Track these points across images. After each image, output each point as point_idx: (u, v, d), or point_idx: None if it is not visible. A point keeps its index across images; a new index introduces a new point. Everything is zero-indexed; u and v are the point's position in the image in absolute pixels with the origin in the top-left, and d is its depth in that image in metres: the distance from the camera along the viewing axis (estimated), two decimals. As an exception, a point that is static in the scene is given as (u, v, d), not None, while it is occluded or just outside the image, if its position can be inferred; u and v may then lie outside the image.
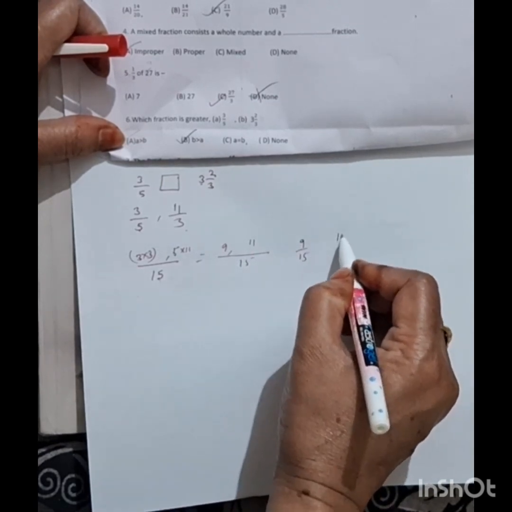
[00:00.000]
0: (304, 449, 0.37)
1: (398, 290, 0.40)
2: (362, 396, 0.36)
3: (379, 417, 0.35)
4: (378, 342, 0.39)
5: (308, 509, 0.36)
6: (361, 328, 0.39)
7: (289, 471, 0.38)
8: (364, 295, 0.41)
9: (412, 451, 0.39)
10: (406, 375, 0.37)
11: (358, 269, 0.42)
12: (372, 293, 0.42)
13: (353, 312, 0.40)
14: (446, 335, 0.41)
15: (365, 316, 0.40)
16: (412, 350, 0.38)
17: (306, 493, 0.37)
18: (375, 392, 0.36)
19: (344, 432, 0.37)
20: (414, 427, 0.38)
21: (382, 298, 0.41)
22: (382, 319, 0.41)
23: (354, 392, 0.37)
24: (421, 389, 0.38)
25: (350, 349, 0.39)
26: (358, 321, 0.40)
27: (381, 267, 0.42)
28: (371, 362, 0.37)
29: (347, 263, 0.43)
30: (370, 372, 0.37)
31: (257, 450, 0.45)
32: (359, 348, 0.38)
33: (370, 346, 0.38)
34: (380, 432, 0.35)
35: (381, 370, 0.37)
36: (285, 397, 0.39)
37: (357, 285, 0.42)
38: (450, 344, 0.41)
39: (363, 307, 0.41)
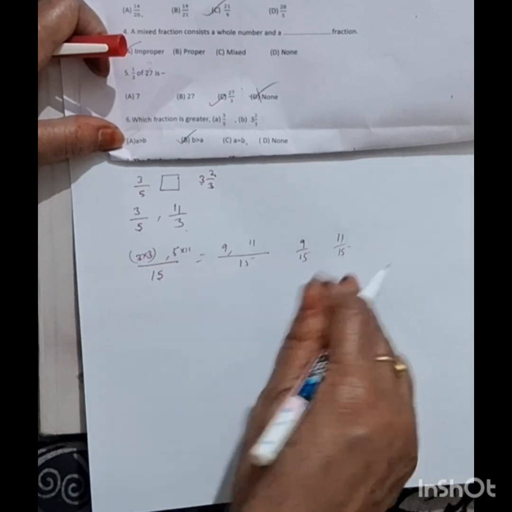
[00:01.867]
0: None
1: (331, 309, 0.39)
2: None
3: (263, 448, 0.33)
4: None
5: None
6: (320, 359, 0.37)
7: None
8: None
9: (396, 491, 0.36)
10: (331, 402, 0.35)
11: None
12: None
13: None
14: (396, 368, 0.38)
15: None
16: (338, 376, 0.35)
17: None
18: (277, 424, 0.34)
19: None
20: (353, 456, 0.34)
21: None
22: None
23: None
24: (351, 414, 0.34)
25: None
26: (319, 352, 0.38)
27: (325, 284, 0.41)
28: (303, 394, 0.35)
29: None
30: (290, 403, 0.35)
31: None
32: (302, 377, 0.36)
33: (315, 379, 0.36)
34: (255, 461, 0.33)
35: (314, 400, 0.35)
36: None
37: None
38: (448, 346, 0.41)
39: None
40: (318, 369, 0.36)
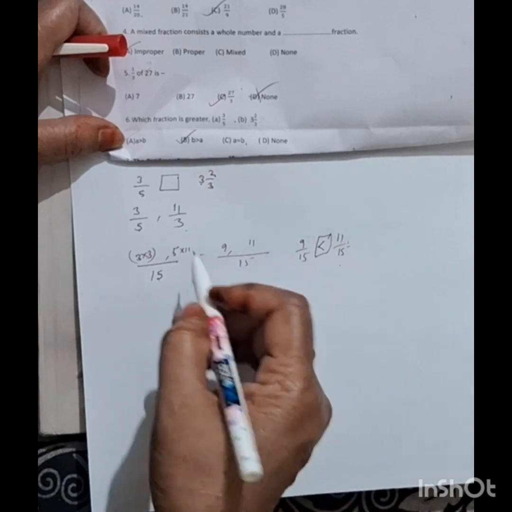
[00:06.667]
0: None
1: (269, 311, 0.37)
2: None
3: (246, 466, 0.31)
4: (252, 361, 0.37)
5: None
6: (218, 365, 0.36)
7: None
8: (218, 322, 0.38)
9: (294, 479, 0.36)
10: (287, 409, 0.34)
11: (221, 295, 0.38)
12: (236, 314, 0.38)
13: None
14: None
15: (220, 347, 0.36)
16: (290, 381, 0.35)
17: None
18: (238, 438, 0.32)
19: (233, 482, 0.33)
20: (299, 457, 0.35)
21: (249, 318, 0.38)
22: (253, 339, 0.39)
23: None
24: (303, 420, 0.35)
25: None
26: (213, 356, 0.36)
27: (250, 286, 0.38)
28: (230, 402, 0.34)
29: (202, 286, 0.40)
30: (230, 415, 0.33)
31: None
32: (219, 388, 0.35)
33: (228, 383, 0.35)
34: (251, 479, 0.31)
35: (261, 406, 0.34)
36: (155, 458, 0.34)
37: (211, 312, 0.38)
38: (448, 346, 0.41)
39: (218, 338, 0.37)
40: (223, 371, 0.35)
